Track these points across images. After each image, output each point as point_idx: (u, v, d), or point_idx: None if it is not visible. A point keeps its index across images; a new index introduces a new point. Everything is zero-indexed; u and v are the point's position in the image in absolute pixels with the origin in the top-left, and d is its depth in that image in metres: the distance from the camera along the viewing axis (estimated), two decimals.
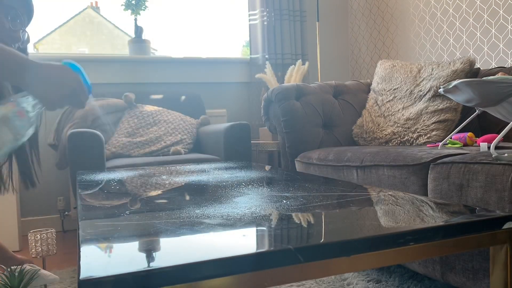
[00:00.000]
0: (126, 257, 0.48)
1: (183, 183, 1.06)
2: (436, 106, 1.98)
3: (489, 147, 1.46)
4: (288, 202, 0.76)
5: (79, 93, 0.88)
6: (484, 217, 0.61)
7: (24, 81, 0.82)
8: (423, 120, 1.99)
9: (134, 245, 0.53)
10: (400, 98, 2.14)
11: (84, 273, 0.44)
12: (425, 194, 1.36)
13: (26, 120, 0.84)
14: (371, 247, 0.54)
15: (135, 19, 2.94)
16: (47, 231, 1.50)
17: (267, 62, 2.99)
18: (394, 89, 2.19)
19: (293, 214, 0.67)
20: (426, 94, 2.04)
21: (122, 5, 2.90)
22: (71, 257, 2.18)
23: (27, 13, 1.07)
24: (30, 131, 0.88)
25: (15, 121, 0.82)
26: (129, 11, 2.90)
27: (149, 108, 2.63)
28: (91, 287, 0.42)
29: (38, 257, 1.49)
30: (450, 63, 2.05)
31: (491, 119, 1.91)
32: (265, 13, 3.12)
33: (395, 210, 0.68)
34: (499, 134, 1.43)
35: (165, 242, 0.54)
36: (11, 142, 0.83)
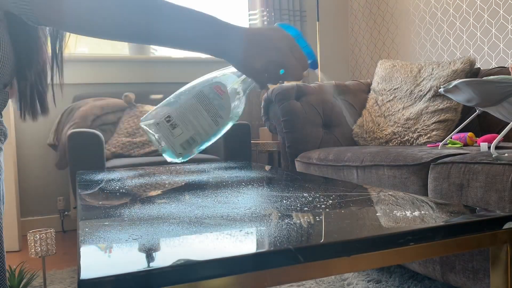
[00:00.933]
0: (126, 257, 0.48)
1: (183, 183, 1.06)
2: (436, 106, 1.98)
3: (489, 147, 1.46)
4: (288, 202, 0.76)
5: (291, 57, 0.65)
6: (484, 217, 0.61)
7: (225, 51, 0.65)
8: (423, 120, 1.99)
9: (134, 245, 0.53)
10: (400, 98, 2.13)
11: (84, 273, 0.44)
12: (425, 194, 1.36)
13: (226, 98, 0.67)
14: (371, 247, 0.54)
15: None
16: (46, 231, 1.50)
17: None
18: (394, 89, 2.19)
19: (293, 214, 0.67)
20: (426, 94, 2.04)
21: None
22: (71, 257, 2.18)
23: None
24: (235, 114, 0.70)
25: (213, 100, 0.67)
26: None
27: (149, 108, 2.63)
28: (91, 287, 0.42)
29: (38, 257, 1.49)
30: (450, 63, 2.05)
31: (491, 119, 1.91)
32: (265, 13, 3.12)
33: (395, 210, 0.68)
34: (499, 134, 1.43)
35: (165, 242, 0.54)
36: (210, 127, 0.68)
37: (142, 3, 0.62)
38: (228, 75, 0.69)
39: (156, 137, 0.68)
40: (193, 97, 0.66)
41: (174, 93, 0.70)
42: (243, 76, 0.68)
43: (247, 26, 0.61)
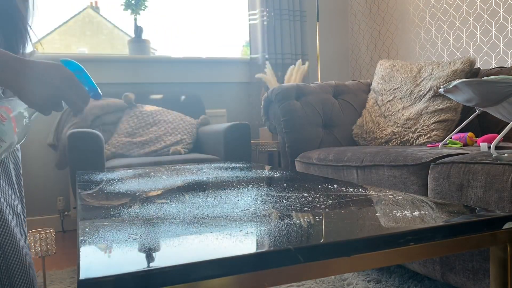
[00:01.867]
0: (126, 257, 0.48)
1: (182, 183, 1.06)
2: (436, 106, 1.98)
3: (489, 147, 1.46)
4: (288, 202, 0.76)
5: (70, 93, 0.71)
6: (484, 217, 0.61)
7: (7, 82, 0.68)
8: (423, 120, 1.99)
9: (134, 245, 0.53)
10: (400, 98, 2.13)
11: (84, 273, 0.44)
12: (425, 194, 1.36)
13: (8, 124, 0.70)
14: (371, 247, 0.54)
15: (135, 19, 2.94)
16: (46, 231, 1.50)
17: (267, 62, 2.99)
18: (394, 89, 2.19)
19: (293, 214, 0.67)
20: (426, 94, 2.04)
21: (122, 5, 2.90)
22: (71, 257, 2.18)
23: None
24: (19, 138, 0.74)
25: None
26: (129, 11, 2.90)
27: (149, 108, 2.63)
28: (91, 287, 0.42)
29: (38, 257, 1.49)
30: (450, 63, 2.05)
31: (491, 119, 1.91)
32: (265, 13, 3.12)
33: (395, 210, 0.68)
34: (499, 134, 1.43)
35: (165, 242, 0.54)
36: None
37: None
38: (16, 101, 0.73)
39: None
40: None
41: None
42: None
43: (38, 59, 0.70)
